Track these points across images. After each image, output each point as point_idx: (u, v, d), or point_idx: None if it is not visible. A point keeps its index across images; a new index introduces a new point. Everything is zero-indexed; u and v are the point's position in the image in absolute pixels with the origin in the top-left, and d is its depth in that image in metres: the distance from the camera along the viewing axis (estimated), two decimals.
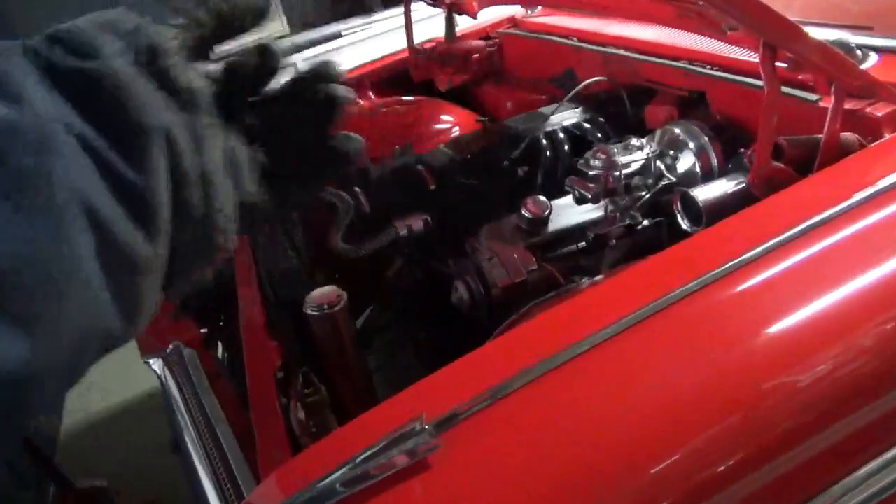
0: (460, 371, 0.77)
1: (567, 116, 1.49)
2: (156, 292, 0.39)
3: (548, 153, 1.44)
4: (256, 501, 0.73)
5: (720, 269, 0.77)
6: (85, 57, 0.35)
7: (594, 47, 1.60)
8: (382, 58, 2.18)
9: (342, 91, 0.50)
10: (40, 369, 0.31)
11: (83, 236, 0.32)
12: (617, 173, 1.15)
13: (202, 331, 1.24)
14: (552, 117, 1.47)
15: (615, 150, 1.18)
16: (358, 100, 2.10)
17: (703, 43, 1.33)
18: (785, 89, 1.05)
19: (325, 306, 1.00)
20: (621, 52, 1.51)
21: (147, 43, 0.37)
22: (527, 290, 1.11)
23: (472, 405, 0.70)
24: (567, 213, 1.23)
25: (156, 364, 1.12)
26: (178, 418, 1.00)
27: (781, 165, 0.93)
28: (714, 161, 1.17)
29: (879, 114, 0.94)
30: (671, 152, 1.20)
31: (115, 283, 0.34)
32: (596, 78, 1.47)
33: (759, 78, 0.94)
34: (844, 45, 1.05)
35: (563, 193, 1.25)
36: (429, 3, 1.74)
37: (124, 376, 2.79)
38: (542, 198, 1.21)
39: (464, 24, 1.99)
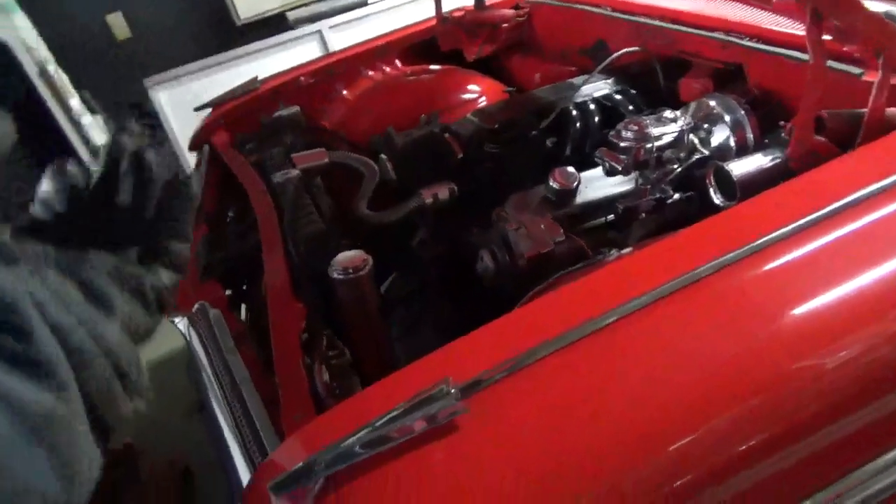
0: (486, 338, 0.76)
1: (598, 88, 1.46)
2: (89, 445, 0.41)
3: (577, 124, 1.42)
4: (279, 460, 0.73)
5: (752, 245, 0.75)
6: None
7: (627, 17, 1.57)
8: (409, 26, 2.15)
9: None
10: None
11: None
12: (649, 145, 1.13)
13: (227, 293, 1.25)
14: (582, 88, 1.45)
15: (648, 121, 1.15)
16: (385, 68, 2.09)
17: (742, 13, 1.29)
18: (830, 63, 1.01)
19: (351, 270, 1.00)
20: (656, 22, 1.47)
21: None
22: (553, 261, 1.10)
23: (497, 372, 0.69)
24: (596, 185, 1.21)
25: (181, 323, 1.13)
26: (203, 378, 1.01)
27: (822, 139, 0.90)
28: (750, 135, 1.14)
29: None
30: (705, 125, 1.18)
31: (39, 444, 0.37)
32: (628, 49, 1.44)
33: (800, 50, 0.92)
34: (893, 17, 1.01)
35: (591, 166, 1.23)
36: None
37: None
38: (571, 169, 1.20)
39: None
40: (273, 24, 3.51)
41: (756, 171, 1.01)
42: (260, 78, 1.98)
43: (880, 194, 0.77)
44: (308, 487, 0.65)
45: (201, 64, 3.19)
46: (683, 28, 1.39)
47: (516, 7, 2.05)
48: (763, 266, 0.75)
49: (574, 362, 0.70)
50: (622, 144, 1.14)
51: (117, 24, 3.47)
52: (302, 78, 1.96)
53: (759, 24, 1.24)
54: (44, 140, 3.31)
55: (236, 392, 0.92)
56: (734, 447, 0.66)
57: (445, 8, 2.02)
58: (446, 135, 1.43)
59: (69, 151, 3.28)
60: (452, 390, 0.66)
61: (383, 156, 1.45)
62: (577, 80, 1.51)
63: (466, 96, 1.76)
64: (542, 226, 1.13)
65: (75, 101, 3.20)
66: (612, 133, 1.17)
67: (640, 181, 1.17)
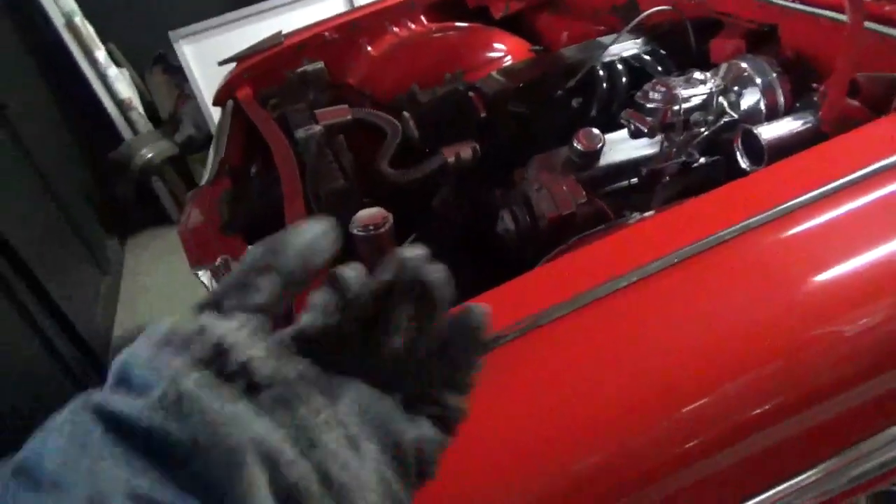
0: (504, 296, 0.76)
1: (626, 47, 1.43)
2: None
3: (604, 85, 1.39)
4: None
5: (775, 210, 0.74)
6: (141, 393, 0.30)
7: None
8: None
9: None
10: None
11: None
12: (676, 107, 1.11)
13: (249, 247, 1.27)
14: (611, 48, 1.42)
15: (676, 83, 1.13)
16: (410, 24, 2.06)
17: None
18: (868, 24, 0.98)
19: (371, 227, 1.00)
20: None
21: (214, 343, 0.31)
22: (575, 223, 1.09)
23: (514, 329, 0.70)
24: (621, 147, 1.20)
25: (204, 276, 1.15)
26: None
27: (856, 103, 0.88)
28: (781, 99, 1.11)
29: None
30: (736, 88, 1.15)
31: None
32: (659, 7, 1.40)
33: (838, 11, 0.88)
34: None
35: (618, 127, 1.21)
36: None
37: (176, 288, 2.90)
38: (596, 130, 1.18)
39: None
40: None
41: (786, 135, 0.98)
42: (284, 33, 1.97)
43: None
44: None
45: (227, 17, 3.17)
46: None
47: None
48: (786, 231, 0.74)
49: (590, 323, 0.71)
50: (649, 106, 1.12)
51: None
52: (326, 33, 1.94)
53: None
54: (72, 93, 3.33)
55: None
56: (748, 411, 0.67)
57: None
58: (470, 93, 1.42)
59: (95, 104, 3.30)
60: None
61: (406, 113, 1.44)
62: (605, 40, 1.48)
63: (492, 55, 1.74)
64: (565, 187, 1.12)
65: (101, 54, 3.21)
66: (638, 94, 1.15)
67: (666, 144, 1.15)
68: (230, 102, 1.83)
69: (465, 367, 0.39)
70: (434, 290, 0.37)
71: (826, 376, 0.68)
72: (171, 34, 3.12)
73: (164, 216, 3.55)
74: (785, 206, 0.74)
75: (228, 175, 1.51)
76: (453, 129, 1.39)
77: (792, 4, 1.18)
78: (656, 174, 1.12)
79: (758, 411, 0.67)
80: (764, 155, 0.98)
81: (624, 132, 1.19)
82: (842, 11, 0.89)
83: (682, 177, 1.13)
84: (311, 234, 0.37)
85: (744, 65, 1.15)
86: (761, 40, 1.25)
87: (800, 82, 1.12)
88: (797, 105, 1.09)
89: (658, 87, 1.12)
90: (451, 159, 1.31)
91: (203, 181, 1.53)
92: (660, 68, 1.39)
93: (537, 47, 1.80)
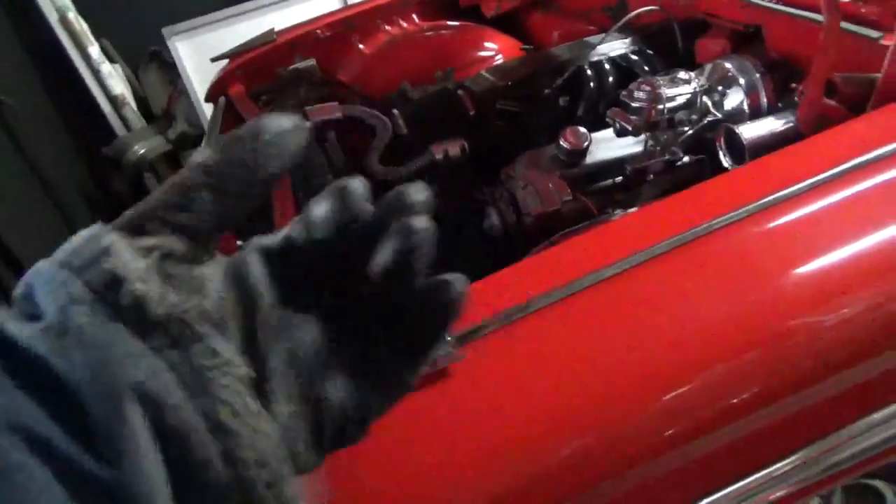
0: (488, 287, 0.78)
1: (614, 47, 1.44)
2: None
3: (591, 84, 1.41)
4: None
5: (753, 205, 0.76)
6: (34, 317, 0.28)
7: None
8: None
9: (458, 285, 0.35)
10: None
11: None
12: (661, 106, 1.12)
13: (238, 243, 1.28)
14: (599, 47, 1.43)
15: (661, 82, 1.14)
16: (402, 23, 2.07)
17: None
18: (846, 25, 1.00)
19: None
20: None
21: (110, 272, 0.28)
22: (560, 220, 1.11)
23: (496, 321, 0.71)
24: (606, 145, 1.21)
25: None
26: None
27: (833, 103, 0.89)
28: (764, 99, 1.13)
29: None
30: (720, 88, 1.16)
31: None
32: (648, 7, 1.42)
33: (820, 13, 0.90)
34: None
35: (605, 126, 1.23)
36: None
37: None
38: (582, 129, 1.19)
39: None
40: None
41: (767, 135, 1.00)
42: (277, 29, 1.98)
43: (883, 160, 0.77)
44: None
45: (220, 14, 3.17)
46: None
47: None
48: (764, 226, 0.76)
49: (571, 314, 0.72)
50: (634, 105, 1.14)
51: None
52: (319, 31, 1.95)
53: None
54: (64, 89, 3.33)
55: None
56: (726, 400, 0.68)
57: None
58: (460, 91, 1.43)
59: (89, 100, 3.30)
60: (450, 337, 0.68)
61: (396, 111, 1.45)
62: (593, 39, 1.49)
63: (483, 53, 1.75)
64: (551, 185, 1.14)
65: (94, 50, 3.21)
66: (624, 93, 1.16)
67: (651, 143, 1.17)
68: (222, 99, 1.84)
69: (428, 338, 0.36)
70: (424, 242, 0.33)
71: (803, 366, 0.70)
72: (164, 31, 3.12)
73: None
74: (762, 201, 0.76)
75: None
76: (443, 126, 1.40)
77: (775, 6, 1.20)
78: (641, 172, 1.14)
79: (735, 400, 0.68)
80: (745, 153, 1.00)
81: (610, 131, 1.21)
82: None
83: (667, 175, 1.15)
84: (275, 129, 0.31)
85: (728, 65, 1.16)
86: (746, 41, 1.27)
87: (783, 83, 1.14)
88: (780, 105, 1.11)
89: (643, 87, 1.13)
90: (440, 157, 1.32)
91: None
92: (647, 68, 1.41)
93: (527, 46, 1.82)
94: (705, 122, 1.14)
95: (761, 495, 0.73)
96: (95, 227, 0.30)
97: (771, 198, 0.76)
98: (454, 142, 1.33)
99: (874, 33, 0.98)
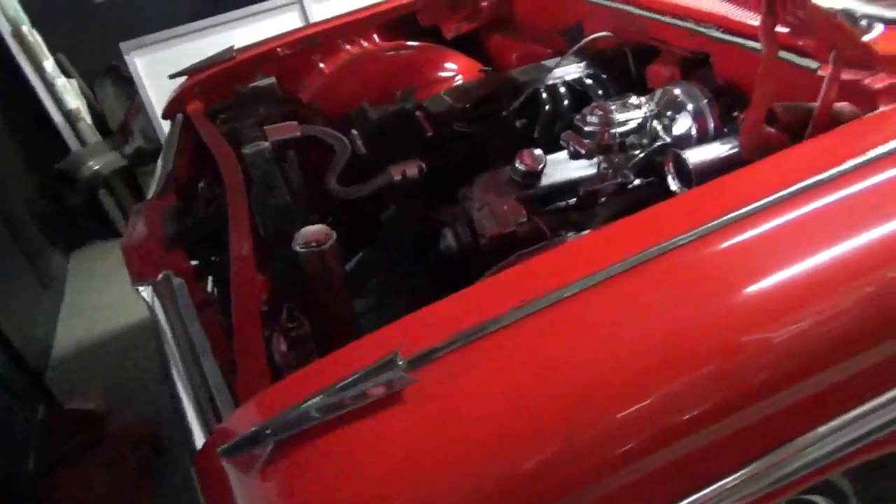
0: (441, 311, 0.78)
1: (570, 71, 1.48)
2: None
3: (547, 107, 1.43)
4: (232, 426, 0.75)
5: (701, 228, 0.78)
6: None
7: (604, 1, 1.58)
8: (389, 0, 2.14)
9: None
10: None
11: None
12: (613, 130, 1.15)
13: (193, 263, 1.26)
14: (555, 71, 1.46)
15: (613, 107, 1.17)
16: (362, 42, 2.08)
17: (712, 4, 1.31)
18: (786, 55, 1.04)
19: (314, 244, 1.01)
20: (630, 8, 1.48)
21: None
22: (515, 241, 1.12)
23: (449, 343, 0.72)
24: (561, 168, 1.23)
25: (145, 291, 1.14)
26: (166, 345, 1.02)
27: (773, 131, 0.93)
28: (711, 124, 1.17)
29: (877, 86, 0.94)
30: (669, 113, 1.20)
31: None
32: (601, 33, 1.46)
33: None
34: (849, 15, 1.04)
35: (560, 148, 1.25)
36: None
37: (120, 303, 2.84)
38: (538, 151, 1.22)
39: None
40: None
41: (712, 160, 1.03)
42: (237, 47, 1.97)
43: (822, 185, 0.80)
44: (257, 453, 0.67)
45: (179, 30, 3.14)
46: (654, 15, 1.40)
47: None
48: (714, 247, 0.78)
49: (525, 335, 0.73)
50: (587, 129, 1.16)
51: None
52: (279, 49, 1.95)
53: (729, 16, 1.25)
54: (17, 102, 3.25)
55: (196, 361, 0.93)
56: (681, 414, 0.70)
57: None
58: (418, 112, 1.44)
59: (43, 114, 3.22)
60: (400, 362, 0.68)
61: (354, 131, 1.46)
62: (549, 63, 1.52)
63: (443, 73, 1.77)
64: (506, 207, 1.16)
65: (49, 64, 3.14)
66: (577, 117, 1.19)
67: (604, 165, 1.19)
68: (180, 116, 1.82)
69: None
70: None
71: (756, 380, 0.72)
72: (122, 45, 3.07)
73: (111, 229, 3.47)
74: (713, 223, 0.79)
75: (175, 189, 1.50)
76: (401, 147, 1.41)
77: (722, 35, 1.24)
78: (594, 194, 1.16)
79: (690, 414, 0.70)
80: (692, 177, 1.03)
81: (565, 153, 1.24)
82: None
83: (619, 197, 1.18)
84: None
85: (677, 91, 1.20)
86: (695, 67, 1.31)
87: (729, 109, 1.18)
88: (725, 130, 1.15)
89: (595, 111, 1.16)
90: (398, 177, 1.33)
91: (149, 194, 1.51)
92: (601, 91, 1.44)
93: (486, 68, 1.84)
94: (655, 145, 1.18)
95: None
96: None
97: (722, 219, 0.78)
98: (412, 162, 1.34)
99: (813, 64, 1.03)
